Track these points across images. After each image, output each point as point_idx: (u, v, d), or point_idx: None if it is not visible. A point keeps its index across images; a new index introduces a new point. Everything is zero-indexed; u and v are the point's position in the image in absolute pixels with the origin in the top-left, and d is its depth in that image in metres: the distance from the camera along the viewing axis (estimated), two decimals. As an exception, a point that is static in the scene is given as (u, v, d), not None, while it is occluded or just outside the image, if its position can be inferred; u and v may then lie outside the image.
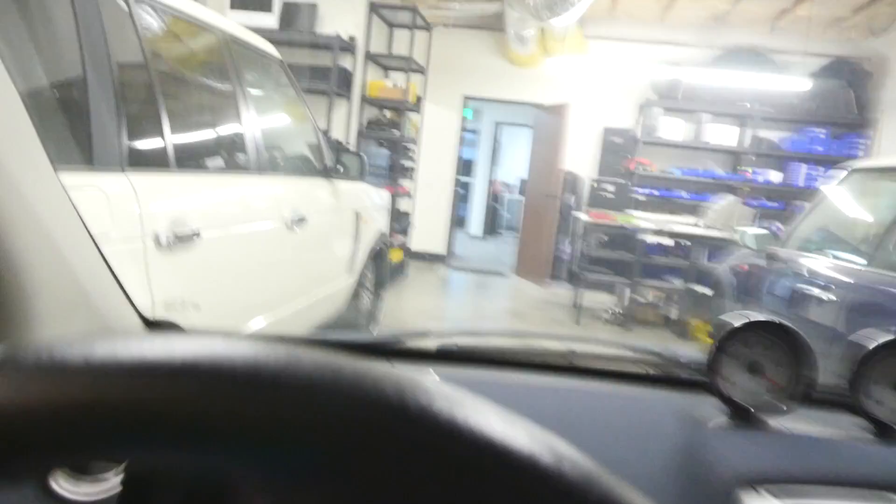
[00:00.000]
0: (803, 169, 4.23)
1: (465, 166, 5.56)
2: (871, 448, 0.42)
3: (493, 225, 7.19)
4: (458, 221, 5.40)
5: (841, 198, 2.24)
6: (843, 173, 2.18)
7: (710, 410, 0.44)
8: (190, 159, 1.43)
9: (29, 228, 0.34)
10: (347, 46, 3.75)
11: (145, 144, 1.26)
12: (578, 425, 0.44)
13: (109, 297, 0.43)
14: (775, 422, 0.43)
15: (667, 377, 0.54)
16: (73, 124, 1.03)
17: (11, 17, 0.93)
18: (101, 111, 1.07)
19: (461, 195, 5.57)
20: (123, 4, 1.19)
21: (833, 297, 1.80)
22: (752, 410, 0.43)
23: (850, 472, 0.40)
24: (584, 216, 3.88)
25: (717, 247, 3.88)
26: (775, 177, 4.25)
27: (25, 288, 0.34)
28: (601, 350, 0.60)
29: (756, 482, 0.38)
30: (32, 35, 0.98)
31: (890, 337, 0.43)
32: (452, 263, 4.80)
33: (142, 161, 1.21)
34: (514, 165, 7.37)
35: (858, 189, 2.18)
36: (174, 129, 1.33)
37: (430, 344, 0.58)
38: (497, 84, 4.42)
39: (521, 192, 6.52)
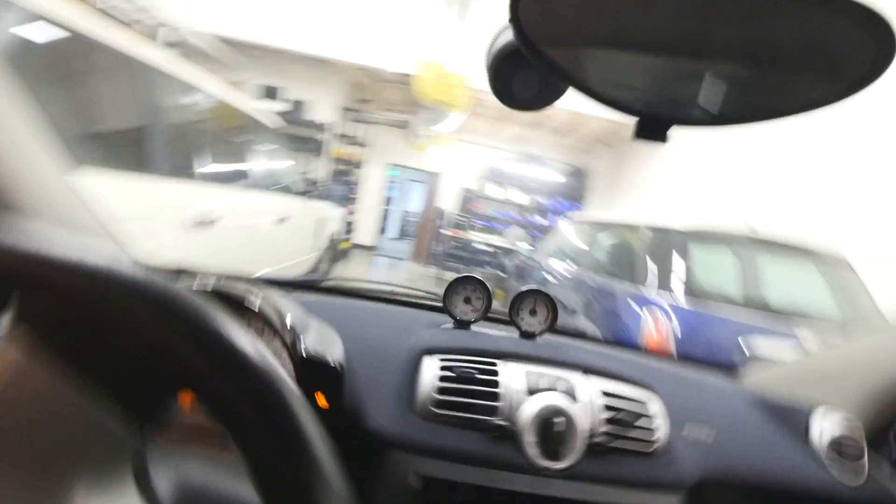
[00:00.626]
0: (558, 218, 8.33)
1: (388, 200, 8.93)
2: (515, 339, 0.67)
3: (402, 233, 10.73)
4: (382, 229, 8.72)
5: (562, 231, 3.38)
6: (565, 220, 3.45)
7: (446, 320, 0.71)
8: (216, 177, 1.93)
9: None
10: (325, 128, 6.30)
11: (183, 164, 1.71)
12: (386, 325, 0.68)
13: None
14: (474, 326, 0.70)
15: (437, 305, 0.82)
16: (136, 150, 1.49)
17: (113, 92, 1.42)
18: (153, 145, 1.55)
19: (385, 214, 8.92)
20: (175, 92, 1.72)
21: (549, 277, 2.87)
22: (459, 319, 0.69)
23: (487, 347, 0.61)
24: (446, 231, 7.39)
25: (509, 252, 7.55)
26: (541, 220, 8.24)
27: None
28: (419, 293, 0.88)
29: (434, 351, 0.59)
30: (114, 104, 1.46)
31: (533, 287, 0.71)
32: (377, 252, 8.01)
33: (179, 174, 1.66)
34: (416, 202, 11.05)
35: (570, 228, 3.27)
36: (204, 160, 1.82)
37: (331, 284, 0.87)
38: (406, 158, 7.84)
39: (418, 216, 10.16)
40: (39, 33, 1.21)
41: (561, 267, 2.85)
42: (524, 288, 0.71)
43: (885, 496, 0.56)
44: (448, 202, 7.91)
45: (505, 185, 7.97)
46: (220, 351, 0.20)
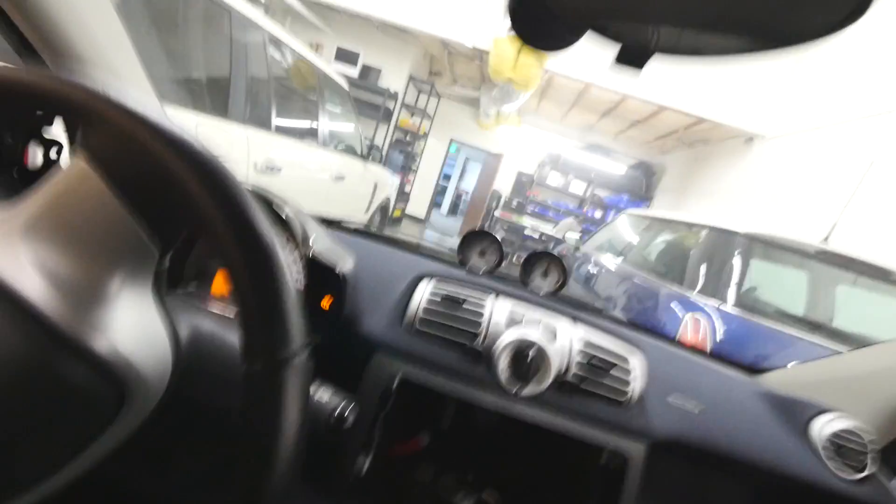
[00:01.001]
0: (612, 213, 7.97)
1: (445, 176, 8.99)
2: (514, 282, 0.72)
3: (454, 209, 10.85)
4: (435, 204, 8.84)
5: (616, 225, 3.29)
6: (620, 215, 3.33)
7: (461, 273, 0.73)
8: (284, 130, 2.04)
9: None
10: (392, 96, 6.18)
11: (261, 115, 1.83)
12: (400, 262, 0.70)
13: None
14: (477, 272, 0.74)
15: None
16: (223, 97, 1.61)
17: (200, 46, 1.55)
18: (238, 94, 1.67)
19: (440, 190, 8.99)
20: (262, 46, 1.81)
21: (593, 269, 2.81)
22: (470, 268, 0.74)
23: (482, 282, 0.64)
24: (498, 213, 7.32)
25: (558, 242, 7.38)
26: (599, 214, 7.93)
27: None
28: (443, 250, 0.97)
29: (431, 276, 0.64)
30: (208, 52, 1.62)
31: (546, 250, 0.75)
32: (428, 225, 8.15)
33: (256, 123, 1.77)
34: (471, 181, 10.99)
35: (625, 222, 3.15)
36: (279, 113, 1.94)
37: (365, 229, 0.98)
38: (469, 135, 7.80)
39: (471, 194, 10.14)
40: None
41: (608, 261, 2.76)
42: (538, 249, 0.74)
43: (885, 497, 0.54)
44: (505, 184, 7.81)
45: (566, 174, 7.71)
46: (228, 203, 0.25)
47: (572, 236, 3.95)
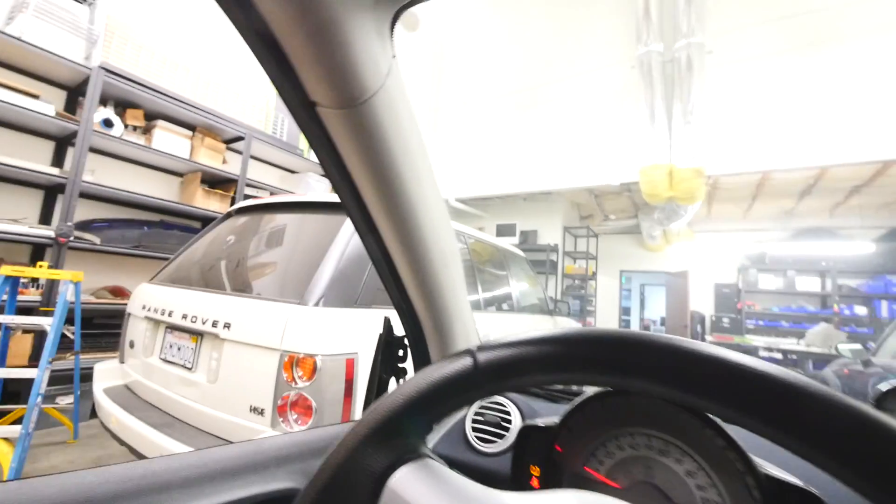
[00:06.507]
0: (884, 304, 5.76)
1: (624, 310, 8.39)
2: None
3: None
4: None
5: None
6: None
7: None
8: (489, 304, 2.36)
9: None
10: (553, 249, 6.83)
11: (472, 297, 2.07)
12: None
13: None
14: None
15: None
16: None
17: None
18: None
19: (623, 325, 8.28)
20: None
21: None
22: None
23: None
24: (710, 338, 6.15)
25: (818, 359, 5.52)
26: (860, 310, 5.82)
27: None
28: None
29: None
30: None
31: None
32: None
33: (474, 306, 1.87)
34: (655, 308, 9.90)
35: None
36: (483, 291, 2.29)
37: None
38: (639, 263, 7.42)
39: (662, 324, 8.89)
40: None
41: None
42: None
43: None
44: (703, 303, 6.77)
45: (783, 272, 6.33)
46: None
47: (844, 347, 3.01)
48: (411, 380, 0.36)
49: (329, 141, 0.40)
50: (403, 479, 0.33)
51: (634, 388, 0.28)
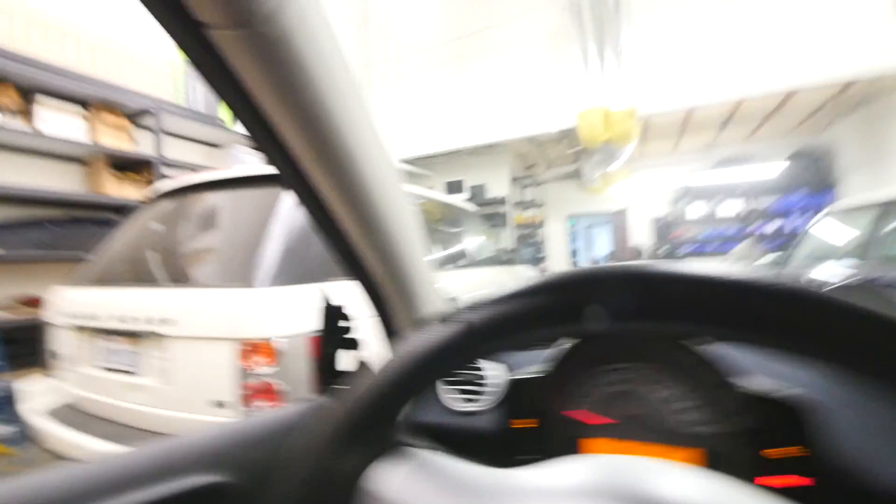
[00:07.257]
0: (794, 216, 6.46)
1: (573, 252, 8.79)
2: None
3: None
4: None
5: (821, 230, 2.85)
6: (822, 214, 2.92)
7: None
8: (448, 262, 2.39)
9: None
10: (502, 201, 6.98)
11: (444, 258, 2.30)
12: None
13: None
14: None
15: None
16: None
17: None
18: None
19: (575, 265, 8.74)
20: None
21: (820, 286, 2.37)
22: None
23: None
24: (650, 268, 6.65)
25: None
26: (773, 227, 6.53)
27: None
28: None
29: None
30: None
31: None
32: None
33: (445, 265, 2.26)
34: (602, 247, 10.50)
35: (835, 221, 2.73)
36: (433, 248, 2.28)
37: None
38: (583, 205, 7.75)
39: (608, 260, 9.53)
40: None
41: (835, 270, 2.28)
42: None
43: None
44: (644, 237, 7.25)
45: (709, 200, 6.89)
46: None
47: (760, 261, 3.38)
48: (392, 361, 0.32)
49: (233, 78, 0.31)
50: (384, 476, 0.30)
51: (653, 329, 0.27)
